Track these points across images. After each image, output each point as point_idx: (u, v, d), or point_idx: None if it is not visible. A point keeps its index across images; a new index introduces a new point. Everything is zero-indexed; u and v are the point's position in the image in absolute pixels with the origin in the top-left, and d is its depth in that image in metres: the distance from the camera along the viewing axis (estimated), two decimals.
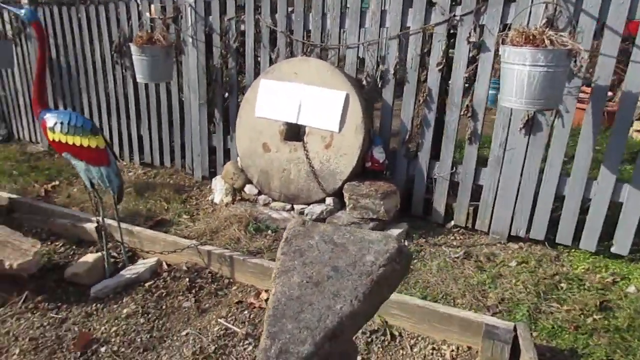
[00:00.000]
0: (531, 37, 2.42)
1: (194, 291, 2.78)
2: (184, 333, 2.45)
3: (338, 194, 3.55)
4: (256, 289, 2.81)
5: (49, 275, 2.87)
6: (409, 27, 3.36)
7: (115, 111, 5.07)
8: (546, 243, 3.26)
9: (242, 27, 4.07)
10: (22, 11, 2.66)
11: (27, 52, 5.44)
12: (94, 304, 2.65)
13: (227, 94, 4.31)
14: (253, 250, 3.23)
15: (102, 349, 2.33)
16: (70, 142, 2.58)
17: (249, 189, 3.86)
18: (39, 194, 4.22)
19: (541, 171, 3.14)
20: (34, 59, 5.37)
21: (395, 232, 3.37)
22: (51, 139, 2.66)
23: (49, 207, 3.63)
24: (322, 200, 3.59)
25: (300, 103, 3.60)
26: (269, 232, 3.49)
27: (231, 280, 2.91)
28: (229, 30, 4.11)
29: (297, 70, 3.65)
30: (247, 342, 2.37)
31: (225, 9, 4.07)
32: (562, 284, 2.83)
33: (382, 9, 3.44)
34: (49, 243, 3.30)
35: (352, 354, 1.52)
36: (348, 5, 3.57)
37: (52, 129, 2.62)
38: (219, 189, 4.00)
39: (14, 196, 3.80)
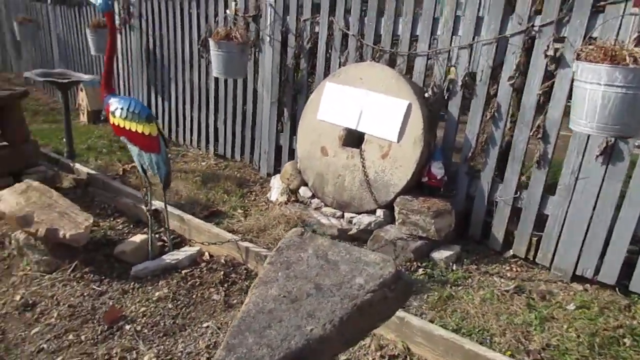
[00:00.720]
0: (611, 53, 2.12)
1: (226, 285, 2.82)
2: (205, 325, 2.49)
3: (390, 207, 3.41)
4: None
5: (101, 249, 3.08)
6: (482, 36, 3.13)
7: (197, 102, 5.32)
8: (617, 289, 2.86)
9: (317, 29, 4.06)
10: (98, 2, 2.88)
11: (130, 41, 5.90)
12: (132, 283, 2.79)
13: (297, 95, 4.33)
14: None
15: (127, 327, 2.44)
16: (127, 127, 2.74)
17: (304, 191, 3.84)
18: (117, 172, 4.55)
19: (618, 207, 2.76)
20: (134, 47, 5.82)
21: (444, 253, 3.16)
22: (112, 122, 2.85)
23: (118, 185, 3.90)
24: (373, 212, 3.47)
25: (362, 109, 3.51)
26: None
27: None
28: (304, 31, 4.13)
29: (362, 76, 3.56)
30: None
31: (302, 9, 4.09)
32: (625, 339, 2.46)
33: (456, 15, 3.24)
34: (111, 219, 3.55)
35: None
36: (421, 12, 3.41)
37: (113, 113, 2.80)
38: (275, 188, 4.03)
39: (93, 172, 4.14)
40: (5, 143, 3.73)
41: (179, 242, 3.30)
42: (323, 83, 3.79)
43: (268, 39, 4.36)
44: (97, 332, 2.41)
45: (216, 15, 4.76)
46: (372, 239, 3.32)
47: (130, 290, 2.73)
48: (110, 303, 2.61)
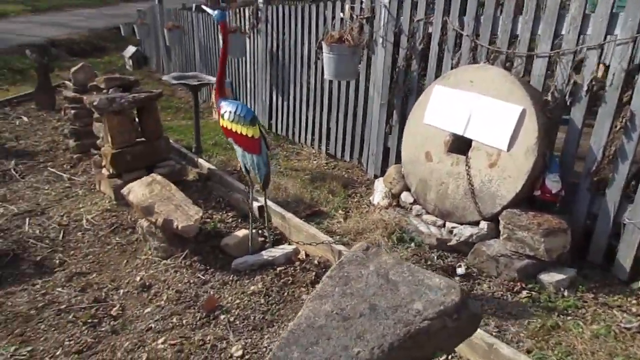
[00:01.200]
0: None
1: (316, 286, 2.88)
2: (291, 323, 2.57)
3: (495, 220, 3.17)
4: None
5: (209, 241, 3.35)
6: (615, 35, 2.74)
7: (313, 102, 5.49)
8: None
9: (430, 29, 3.93)
10: (215, 12, 3.11)
11: (257, 44, 6.29)
12: (232, 275, 3.00)
13: (406, 97, 4.24)
14: None
15: (222, 317, 2.63)
16: (233, 129, 2.93)
17: (405, 197, 3.76)
18: (235, 168, 4.90)
19: None
20: (262, 49, 6.18)
21: (555, 277, 2.87)
22: (221, 124, 3.07)
23: (232, 181, 4.19)
24: (476, 223, 3.27)
25: (471, 114, 3.32)
26: (412, 244, 3.35)
27: None
28: (417, 32, 4.02)
29: (473, 78, 3.36)
30: None
31: (416, 9, 3.98)
32: None
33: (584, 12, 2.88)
34: (222, 213, 3.84)
35: None
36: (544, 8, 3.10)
37: (222, 116, 3.02)
38: (378, 191, 4.00)
39: (212, 167, 4.51)
40: (142, 139, 4.23)
41: (279, 239, 3.45)
42: (432, 86, 3.65)
43: (381, 40, 4.32)
44: (196, 318, 2.64)
45: (334, 18, 4.85)
46: (472, 252, 3.13)
47: (229, 282, 2.94)
48: (211, 292, 2.84)
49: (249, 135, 2.88)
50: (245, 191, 3.93)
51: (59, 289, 2.91)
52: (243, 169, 3.11)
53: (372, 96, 4.58)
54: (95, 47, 14.41)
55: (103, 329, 2.58)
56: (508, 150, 3.10)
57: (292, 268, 3.05)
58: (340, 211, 3.92)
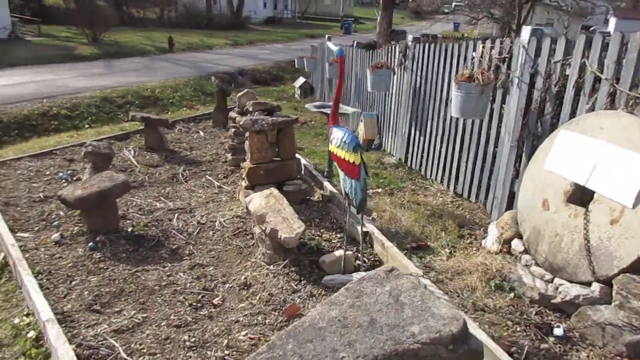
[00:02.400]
0: None
1: None
2: (297, 321, 2.67)
3: (609, 283, 2.82)
4: None
5: (310, 255, 3.62)
6: None
7: (447, 139, 5.48)
8: None
9: (567, 71, 3.69)
10: (335, 49, 3.41)
11: (402, 81, 6.52)
12: (320, 289, 3.20)
13: (536, 140, 4.01)
14: (479, 306, 3.03)
15: None
16: (338, 154, 3.17)
17: (516, 244, 3.54)
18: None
19: None
20: (406, 86, 6.40)
21: None
22: (329, 149, 3.34)
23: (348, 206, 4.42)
24: (588, 284, 2.94)
25: (596, 163, 3.04)
26: (511, 294, 3.16)
27: None
28: (553, 74, 3.81)
29: (603, 125, 3.08)
30: None
31: (555, 51, 3.79)
32: None
33: None
34: (331, 233, 4.09)
35: None
36: None
37: (331, 142, 3.29)
38: (491, 235, 3.84)
39: (335, 191, 4.81)
40: (277, 158, 4.75)
41: (376, 265, 3.55)
42: (558, 130, 3.43)
43: (516, 80, 4.18)
44: (277, 320, 2.90)
45: (473, 57, 4.83)
46: (576, 314, 2.83)
47: (316, 295, 3.15)
48: (297, 301, 3.09)
49: (351, 161, 3.09)
50: (358, 216, 4.12)
51: (181, 274, 3.46)
52: (343, 193, 3.33)
53: (503, 137, 4.42)
54: (274, 77, 16.26)
55: (202, 313, 3.00)
56: (633, 207, 2.75)
57: None
58: (446, 249, 3.86)
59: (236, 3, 33.11)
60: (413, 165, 6.26)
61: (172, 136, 7.70)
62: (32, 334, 2.71)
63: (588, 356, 2.61)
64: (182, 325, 2.85)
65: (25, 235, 4.06)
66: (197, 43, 22.96)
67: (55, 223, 4.26)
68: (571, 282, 3.03)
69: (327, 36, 10.68)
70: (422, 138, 6.03)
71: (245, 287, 3.29)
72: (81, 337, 2.67)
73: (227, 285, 3.33)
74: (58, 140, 7.75)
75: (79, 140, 7.27)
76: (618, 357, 2.56)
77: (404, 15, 47.93)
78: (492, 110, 4.59)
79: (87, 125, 9.62)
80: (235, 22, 31.95)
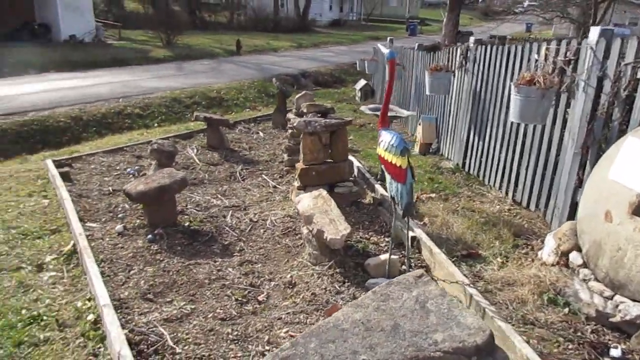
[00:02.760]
0: None
1: None
2: (322, 321, 2.64)
3: None
4: None
5: (356, 258, 3.62)
6: None
7: (506, 145, 5.27)
8: None
9: (638, 74, 3.44)
10: (386, 51, 3.38)
11: (463, 84, 6.35)
12: (363, 292, 3.19)
13: (601, 148, 3.77)
14: (529, 320, 2.90)
15: None
16: (385, 157, 3.15)
17: (574, 257, 3.35)
18: (418, 197, 5.05)
19: None
20: (466, 89, 6.23)
21: None
22: (377, 152, 3.32)
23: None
24: None
25: None
26: (565, 309, 2.99)
27: None
28: (622, 77, 3.57)
29: None
30: None
31: (625, 52, 3.55)
32: None
33: None
34: (379, 236, 4.06)
35: None
36: None
37: (379, 144, 3.27)
38: (547, 246, 3.65)
39: (386, 194, 4.76)
40: (330, 160, 4.78)
41: (425, 270, 3.48)
42: (625, 137, 3.21)
43: (582, 84, 3.96)
44: (318, 320, 2.92)
45: (537, 60, 4.62)
46: (637, 335, 2.64)
47: (356, 297, 3.14)
48: (340, 303, 3.10)
49: (397, 165, 3.06)
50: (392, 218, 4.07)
51: (230, 269, 3.58)
52: (389, 196, 3.30)
53: (566, 144, 4.20)
54: (336, 79, 16.36)
55: (247, 308, 3.09)
56: None
57: None
58: (498, 258, 3.72)
59: (302, 6, 33.60)
60: (471, 171, 6.08)
61: (233, 136, 7.96)
62: (91, 317, 2.92)
63: None
64: (227, 319, 2.95)
65: (94, 225, 4.36)
66: (263, 45, 23.55)
67: (120, 215, 4.55)
68: (634, 300, 2.83)
69: (388, 38, 10.60)
70: (481, 143, 5.85)
71: (290, 286, 3.35)
72: (134, 323, 2.84)
73: (272, 283, 3.41)
74: (129, 137, 8.26)
75: (148, 138, 7.70)
76: None
77: (472, 16, 46.49)
78: (555, 115, 4.37)
79: (156, 124, 10.16)
80: (301, 25, 32.45)
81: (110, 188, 5.36)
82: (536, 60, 4.45)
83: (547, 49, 4.21)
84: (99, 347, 2.68)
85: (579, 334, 2.77)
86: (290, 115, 6.31)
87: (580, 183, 4.00)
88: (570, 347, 2.67)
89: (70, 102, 10.59)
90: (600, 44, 3.76)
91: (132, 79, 13.73)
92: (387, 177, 3.24)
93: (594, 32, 3.86)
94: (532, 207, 4.73)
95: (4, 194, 5.31)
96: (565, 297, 3.08)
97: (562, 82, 4.17)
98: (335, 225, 3.42)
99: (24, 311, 3.04)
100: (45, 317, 2.97)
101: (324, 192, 3.83)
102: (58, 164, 6.00)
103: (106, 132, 9.50)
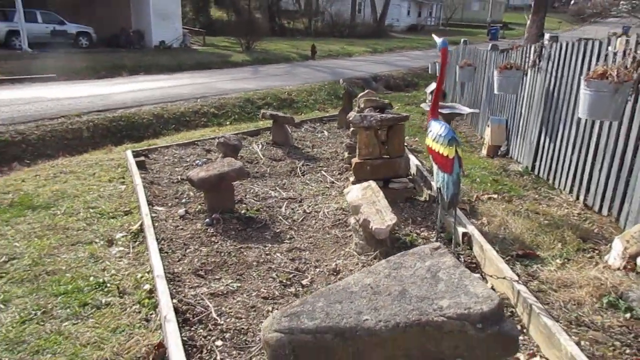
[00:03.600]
0: None
1: None
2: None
3: None
4: (536, 350, 2.47)
5: (401, 249, 3.55)
6: None
7: (579, 146, 4.96)
8: None
9: None
10: (439, 40, 3.32)
11: (535, 83, 6.05)
12: None
13: None
14: (584, 322, 2.72)
15: None
16: (433, 147, 3.09)
17: None
18: (470, 198, 4.90)
19: None
20: (539, 88, 5.93)
21: None
22: (426, 143, 3.27)
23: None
24: None
25: None
26: (626, 314, 2.76)
27: (524, 330, 2.66)
28: None
29: None
30: None
31: None
32: None
33: None
34: (431, 232, 3.98)
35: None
36: None
37: (427, 135, 3.21)
38: (614, 250, 3.39)
39: None
40: (386, 156, 4.77)
41: (472, 267, 3.38)
42: None
43: None
44: None
45: (615, 54, 4.31)
46: None
47: None
48: None
49: (444, 154, 3.00)
50: (463, 219, 3.96)
51: (278, 254, 3.68)
52: (435, 186, 3.23)
53: None
54: (408, 83, 16.19)
55: (290, 290, 3.17)
56: None
57: None
58: (558, 260, 3.51)
59: (380, 12, 33.61)
60: (540, 174, 5.77)
61: (298, 134, 8.15)
62: (147, 286, 3.14)
63: None
64: (269, 298, 3.04)
65: (160, 209, 4.67)
66: (338, 50, 23.84)
67: (184, 201, 4.84)
68: None
69: (462, 40, 10.33)
70: (552, 144, 5.53)
71: (334, 273, 3.38)
72: (183, 294, 3.02)
73: (317, 270, 3.46)
74: (202, 133, 8.72)
75: (219, 134, 8.09)
76: None
77: (562, 19, 43.91)
78: (633, 113, 4.05)
79: (228, 123, 10.64)
80: (377, 30, 32.48)
81: (179, 177, 5.70)
82: (614, 54, 4.16)
83: (626, 41, 3.92)
84: (151, 314, 2.88)
85: (639, 338, 2.55)
86: (351, 113, 6.35)
87: None
88: (627, 352, 2.46)
89: (155, 101, 11.39)
90: None
91: (210, 81, 14.48)
92: (434, 167, 3.18)
93: None
94: (605, 211, 4.41)
95: (88, 178, 5.83)
96: (628, 301, 2.84)
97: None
98: (381, 216, 3.41)
99: (91, 278, 3.33)
100: (108, 285, 3.24)
101: (372, 184, 3.83)
102: (136, 154, 6.49)
103: (183, 129, 10.10)
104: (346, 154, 6.32)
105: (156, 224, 4.14)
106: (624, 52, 3.92)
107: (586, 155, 4.79)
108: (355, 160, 4.67)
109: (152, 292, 3.08)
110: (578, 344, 2.44)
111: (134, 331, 2.72)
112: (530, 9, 15.48)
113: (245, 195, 5.06)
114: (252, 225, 4.24)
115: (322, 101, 13.07)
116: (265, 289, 3.15)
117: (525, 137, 6.27)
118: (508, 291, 2.93)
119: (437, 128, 3.16)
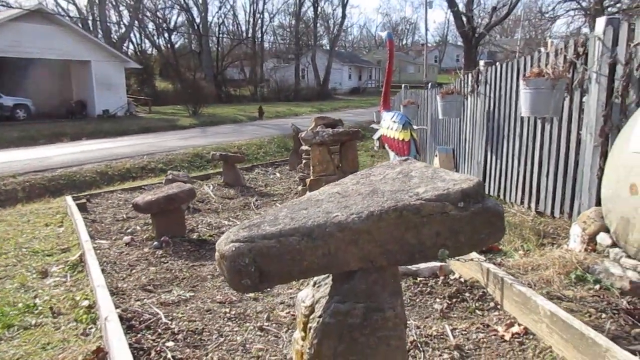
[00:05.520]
0: None
1: (453, 300, 2.63)
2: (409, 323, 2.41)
3: None
4: (513, 320, 2.34)
5: None
6: None
7: (524, 158, 5.11)
8: None
9: None
10: (384, 33, 3.42)
11: (476, 106, 6.32)
12: None
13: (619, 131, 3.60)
14: (555, 296, 2.63)
15: None
16: (388, 135, 3.08)
17: (602, 239, 3.10)
18: None
19: None
20: (480, 111, 6.18)
21: None
22: (381, 134, 3.25)
23: None
24: None
25: None
26: (595, 286, 2.71)
27: (498, 307, 2.54)
28: (634, 58, 3.48)
29: None
30: (444, 353, 2.08)
31: (634, 33, 3.49)
32: None
33: None
34: None
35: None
36: None
37: (381, 126, 3.20)
38: (572, 235, 3.40)
39: None
40: (342, 172, 4.71)
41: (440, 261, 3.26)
42: (639, 110, 3.06)
43: (594, 76, 3.87)
44: None
45: (547, 65, 4.58)
46: None
47: None
48: None
49: (400, 139, 2.98)
50: None
51: None
52: None
53: (585, 140, 4.03)
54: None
55: (249, 295, 2.91)
56: None
57: (433, 281, 2.86)
58: (520, 252, 3.47)
59: (322, 76, 35.10)
60: (491, 192, 5.87)
61: (250, 176, 8.02)
62: (86, 302, 2.79)
63: None
64: (226, 302, 2.78)
65: (103, 242, 4.31)
66: (285, 112, 24.38)
67: (129, 231, 4.50)
68: None
69: (404, 85, 10.81)
70: (498, 162, 5.69)
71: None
72: (129, 304, 2.70)
73: None
74: (150, 181, 8.40)
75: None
76: None
77: None
78: (570, 114, 4.25)
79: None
80: (321, 93, 33.73)
81: (124, 215, 5.36)
82: (547, 55, 4.41)
83: (552, 42, 4.18)
84: (90, 328, 2.53)
85: (613, 304, 2.48)
86: (303, 148, 6.33)
87: (602, 174, 3.79)
88: (603, 316, 2.38)
89: (98, 159, 10.99)
90: (607, 32, 3.71)
91: (158, 141, 14.24)
92: (391, 155, 3.14)
93: (600, 22, 3.83)
94: (557, 213, 4.48)
95: (21, 225, 5.37)
96: (594, 274, 2.80)
97: (574, 78, 4.10)
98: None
99: (20, 304, 2.93)
100: (40, 308, 2.86)
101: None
102: (76, 198, 6.09)
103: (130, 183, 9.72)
104: (300, 188, 6.23)
105: (99, 252, 3.78)
106: (556, 51, 4.17)
107: (532, 164, 4.93)
108: (310, 178, 4.57)
109: (91, 307, 2.74)
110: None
111: (68, 345, 2.36)
112: (460, 70, 16.68)
113: (197, 226, 4.79)
114: (206, 247, 3.98)
115: (273, 153, 13.09)
116: (221, 296, 2.88)
117: (472, 158, 6.44)
118: (477, 274, 2.83)
119: (389, 116, 3.16)
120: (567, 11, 17.74)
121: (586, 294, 2.64)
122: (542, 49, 4.40)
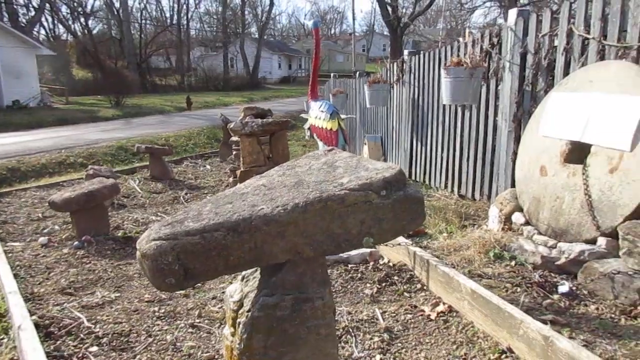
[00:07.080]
0: None
1: (383, 284, 2.71)
2: (341, 309, 2.45)
3: (615, 235, 2.57)
4: (438, 300, 2.45)
5: None
6: None
7: (447, 144, 5.34)
8: None
9: (555, 42, 3.61)
10: (311, 22, 3.43)
11: (402, 95, 6.50)
12: None
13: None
14: (476, 274, 2.79)
15: None
16: (317, 125, 3.10)
17: (516, 218, 3.31)
18: None
19: None
20: (405, 99, 6.37)
21: None
22: (310, 123, 3.26)
23: None
24: (593, 241, 2.69)
25: (589, 117, 2.87)
26: (511, 262, 2.90)
27: (425, 287, 2.65)
28: (542, 47, 3.72)
29: (593, 78, 2.95)
30: (375, 336, 2.15)
31: (541, 24, 3.73)
32: None
33: None
34: None
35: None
36: None
37: (309, 116, 3.22)
38: (491, 215, 3.62)
39: None
40: (272, 163, 4.67)
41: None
42: (547, 96, 3.29)
43: (508, 65, 4.10)
44: None
45: (465, 54, 4.80)
46: (582, 271, 2.57)
47: None
48: None
49: (328, 128, 3.01)
50: None
51: None
52: None
53: (500, 126, 4.28)
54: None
55: (179, 293, 2.83)
56: (631, 149, 2.55)
57: (364, 267, 2.93)
58: (444, 234, 3.63)
59: (252, 65, 34.58)
60: (417, 178, 6.10)
61: (179, 169, 7.76)
62: None
63: (597, 308, 2.32)
64: (155, 301, 2.68)
65: (16, 244, 4.00)
66: (214, 102, 23.80)
67: (46, 231, 4.21)
68: (576, 242, 2.78)
69: (332, 74, 10.89)
70: (423, 148, 5.91)
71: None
72: (46, 310, 2.53)
73: None
74: (70, 177, 7.89)
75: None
76: (631, 307, 2.27)
77: None
78: (487, 102, 4.49)
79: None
80: (251, 82, 33.25)
81: (40, 214, 5.00)
82: (465, 45, 4.61)
83: (470, 33, 4.38)
84: (2, 338, 2.34)
85: (526, 278, 2.67)
86: (233, 138, 6.22)
87: (516, 157, 4.05)
88: (518, 290, 2.56)
89: (9, 154, 10.14)
90: (518, 23, 3.94)
91: (77, 134, 13.40)
92: (320, 144, 3.17)
93: (512, 13, 4.06)
94: (477, 196, 4.73)
95: None
96: (511, 252, 3.00)
97: (490, 67, 4.33)
98: None
99: None
100: None
101: None
102: None
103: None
104: (231, 180, 6.12)
105: (10, 255, 3.51)
106: (473, 42, 4.37)
107: (454, 151, 5.17)
108: (240, 170, 4.50)
109: (2, 316, 2.53)
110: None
111: None
112: (387, 59, 17.07)
113: (123, 222, 4.57)
114: (132, 244, 3.80)
115: (203, 145, 12.75)
116: (149, 295, 2.78)
117: (400, 146, 6.64)
118: (405, 258, 2.93)
119: (317, 106, 3.17)
120: (485, 2, 18.68)
121: (503, 270, 2.82)
122: (461, 39, 4.59)
